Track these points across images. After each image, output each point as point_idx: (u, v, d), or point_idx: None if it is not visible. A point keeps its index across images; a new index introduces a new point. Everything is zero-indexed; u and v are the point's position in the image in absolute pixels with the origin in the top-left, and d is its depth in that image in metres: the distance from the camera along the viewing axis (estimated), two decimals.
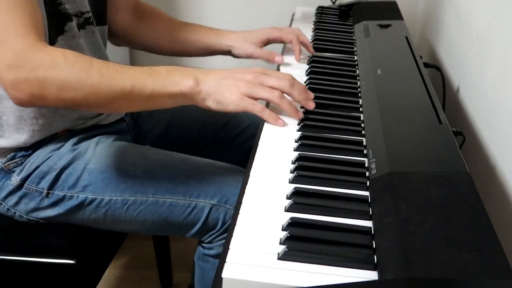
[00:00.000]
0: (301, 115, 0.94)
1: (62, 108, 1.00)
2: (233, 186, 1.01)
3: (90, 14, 1.08)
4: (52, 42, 0.99)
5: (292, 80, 0.95)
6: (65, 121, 1.06)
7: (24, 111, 1.01)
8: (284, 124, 0.92)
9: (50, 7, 0.97)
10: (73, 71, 0.85)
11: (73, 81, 0.85)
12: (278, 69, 1.18)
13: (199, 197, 1.01)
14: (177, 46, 1.28)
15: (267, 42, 1.27)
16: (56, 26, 1.00)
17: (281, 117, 0.93)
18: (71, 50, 0.89)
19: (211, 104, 0.91)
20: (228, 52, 1.28)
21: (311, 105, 0.96)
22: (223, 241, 1.01)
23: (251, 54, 1.26)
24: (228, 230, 0.69)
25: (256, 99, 0.92)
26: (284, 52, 1.27)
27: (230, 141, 1.27)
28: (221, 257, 0.63)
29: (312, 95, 0.98)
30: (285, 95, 0.94)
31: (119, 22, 1.25)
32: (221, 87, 0.91)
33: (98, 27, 1.13)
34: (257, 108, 0.91)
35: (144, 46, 1.30)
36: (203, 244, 1.06)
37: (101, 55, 1.13)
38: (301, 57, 1.23)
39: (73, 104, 0.88)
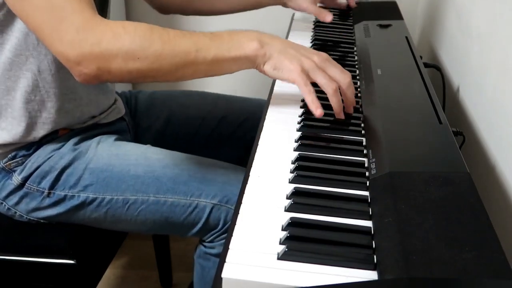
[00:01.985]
0: (343, 117, 0.91)
1: (127, 81, 0.97)
2: (235, 186, 1.01)
3: None
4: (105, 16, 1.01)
5: (351, 80, 0.92)
6: (68, 118, 1.06)
7: (29, 104, 1.00)
8: (321, 115, 0.88)
9: None
10: (135, 40, 0.85)
11: (136, 50, 0.85)
12: None
13: (200, 196, 1.01)
14: (234, 5, 1.31)
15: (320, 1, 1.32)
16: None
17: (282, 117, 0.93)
18: (130, 21, 0.88)
19: (268, 68, 0.90)
20: (281, 4, 1.32)
21: (351, 111, 0.94)
22: (227, 232, 1.01)
23: (305, 9, 1.31)
24: (227, 230, 0.69)
25: (312, 81, 0.90)
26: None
27: (229, 135, 1.27)
28: (221, 257, 0.63)
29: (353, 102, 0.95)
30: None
31: None
32: (285, 53, 0.90)
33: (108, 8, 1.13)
34: (307, 88, 0.88)
35: (200, 11, 1.32)
36: (205, 243, 1.06)
37: None
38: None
39: (139, 74, 0.87)
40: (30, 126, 1.02)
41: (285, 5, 1.32)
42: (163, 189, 1.01)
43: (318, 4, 1.37)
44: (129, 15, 1.93)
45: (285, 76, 0.89)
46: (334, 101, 0.90)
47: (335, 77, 0.91)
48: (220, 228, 1.02)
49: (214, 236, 1.03)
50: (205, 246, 1.06)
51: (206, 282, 1.09)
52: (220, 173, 1.05)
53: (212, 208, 1.00)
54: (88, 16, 0.85)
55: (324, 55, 0.93)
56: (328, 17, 1.27)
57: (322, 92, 0.91)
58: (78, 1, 0.85)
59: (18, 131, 1.02)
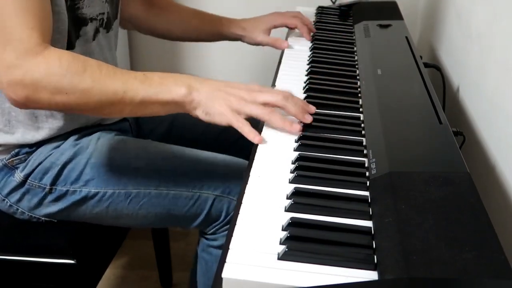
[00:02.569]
0: (298, 128, 0.89)
1: (56, 111, 1.01)
2: (236, 178, 1.02)
3: (105, 16, 1.09)
4: (72, 46, 1.01)
5: (287, 94, 0.92)
6: (74, 123, 1.07)
7: (36, 109, 1.01)
8: (260, 141, 0.88)
9: (70, 12, 0.98)
10: (66, 75, 0.86)
11: (65, 85, 0.86)
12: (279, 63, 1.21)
13: (202, 188, 1.01)
14: (189, 34, 1.33)
15: (273, 28, 1.34)
16: (74, 31, 1.01)
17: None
18: (69, 53, 0.89)
19: (200, 113, 0.91)
20: (238, 40, 1.33)
21: (307, 119, 0.92)
22: (227, 232, 1.01)
23: (260, 42, 1.33)
24: (228, 230, 0.69)
25: (245, 116, 0.90)
26: (288, 37, 1.34)
27: (232, 143, 1.27)
28: (221, 257, 0.63)
29: (312, 109, 0.94)
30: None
31: (132, 13, 1.28)
32: (212, 98, 0.90)
33: (112, 30, 1.13)
34: (240, 124, 0.89)
35: (156, 34, 1.33)
36: (207, 236, 1.06)
37: (112, 57, 1.15)
38: (301, 56, 1.24)
39: (65, 107, 0.89)
40: (36, 130, 1.03)
41: (241, 40, 1.34)
42: (165, 182, 1.02)
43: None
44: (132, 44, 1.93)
45: (217, 120, 0.90)
46: (274, 122, 0.90)
47: (266, 101, 0.90)
48: (222, 219, 1.02)
49: (216, 227, 1.03)
50: (207, 239, 1.06)
51: (210, 276, 1.09)
52: (222, 165, 1.05)
53: (214, 200, 1.01)
54: (31, 45, 0.85)
55: (253, 86, 0.92)
56: (284, 44, 1.29)
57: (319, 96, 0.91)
58: (29, 28, 0.86)
59: (23, 134, 1.03)
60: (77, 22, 1.01)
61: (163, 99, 0.89)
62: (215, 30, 1.31)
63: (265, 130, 0.91)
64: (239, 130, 0.90)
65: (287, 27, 1.34)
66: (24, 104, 0.88)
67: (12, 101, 0.88)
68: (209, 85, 0.91)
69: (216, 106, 0.90)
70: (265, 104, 0.90)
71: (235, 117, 0.89)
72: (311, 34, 1.39)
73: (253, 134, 0.89)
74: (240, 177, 1.01)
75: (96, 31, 1.07)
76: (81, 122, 1.08)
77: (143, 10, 1.29)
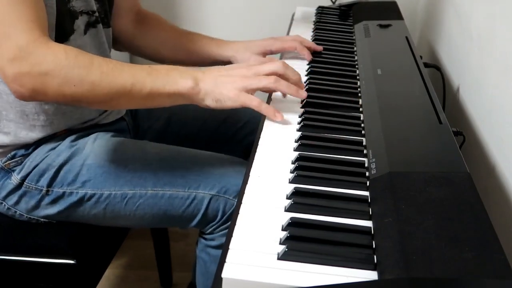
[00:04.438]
0: (304, 94, 0.95)
1: (62, 103, 1.01)
2: (233, 177, 1.02)
3: (97, 14, 1.08)
4: (65, 40, 1.00)
5: (285, 64, 0.96)
6: (66, 119, 1.06)
7: (26, 106, 1.01)
8: (282, 118, 0.92)
9: (62, 5, 0.98)
10: (74, 67, 0.86)
11: (74, 77, 0.86)
12: None
13: (198, 188, 1.01)
14: (178, 55, 1.28)
15: (270, 53, 1.26)
16: (68, 25, 1.01)
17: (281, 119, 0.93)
18: (73, 47, 0.89)
19: (210, 102, 0.92)
20: (229, 62, 1.28)
21: (303, 94, 0.97)
22: (225, 231, 1.02)
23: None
24: (227, 230, 0.69)
25: (254, 91, 0.93)
26: (283, 57, 1.27)
27: (229, 138, 1.27)
28: (221, 257, 0.63)
29: (302, 85, 1.00)
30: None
31: (121, 28, 1.25)
32: (218, 85, 0.92)
33: (105, 29, 1.13)
34: (254, 103, 0.91)
35: (145, 54, 1.30)
36: (205, 236, 1.06)
37: (106, 56, 1.14)
38: (301, 56, 1.23)
39: (73, 99, 0.89)
40: (29, 128, 1.03)
41: (231, 62, 1.27)
42: (161, 182, 1.02)
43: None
44: None
45: (229, 104, 0.92)
46: (282, 88, 0.95)
47: (269, 71, 0.94)
48: (219, 219, 1.02)
49: (213, 227, 1.03)
50: (205, 239, 1.06)
51: (209, 276, 1.09)
52: (217, 164, 1.05)
53: (210, 199, 1.01)
54: (34, 37, 0.86)
55: (250, 62, 0.96)
56: None
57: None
58: (28, 20, 0.86)
59: (16, 133, 1.03)
60: (69, 15, 1.01)
61: (169, 91, 0.90)
62: (205, 51, 1.26)
63: (265, 130, 0.91)
64: (256, 109, 0.92)
65: (285, 51, 1.26)
66: (31, 96, 0.87)
67: (17, 93, 0.87)
68: (212, 73, 0.93)
69: (224, 92, 0.91)
70: (268, 74, 0.94)
71: (247, 96, 0.91)
72: (312, 33, 1.39)
73: (271, 112, 0.92)
74: (237, 176, 1.02)
75: (90, 26, 1.07)
76: (74, 117, 1.07)
77: (133, 27, 1.26)
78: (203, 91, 0.91)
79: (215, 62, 1.28)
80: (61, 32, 1.00)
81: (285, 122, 0.94)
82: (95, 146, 1.05)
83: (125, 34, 1.26)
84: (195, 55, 1.27)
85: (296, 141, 0.88)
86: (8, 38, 0.85)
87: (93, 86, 0.87)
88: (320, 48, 1.25)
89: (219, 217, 1.02)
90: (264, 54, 1.25)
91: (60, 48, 0.87)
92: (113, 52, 1.23)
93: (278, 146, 0.87)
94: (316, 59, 1.22)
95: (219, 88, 0.91)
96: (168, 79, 0.90)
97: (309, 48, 1.24)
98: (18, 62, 0.85)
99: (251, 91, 0.92)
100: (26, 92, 0.86)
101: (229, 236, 0.66)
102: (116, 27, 1.24)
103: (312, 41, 1.34)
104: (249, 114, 1.26)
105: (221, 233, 1.03)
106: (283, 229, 0.67)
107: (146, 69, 0.91)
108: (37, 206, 1.04)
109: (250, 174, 0.78)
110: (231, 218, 0.92)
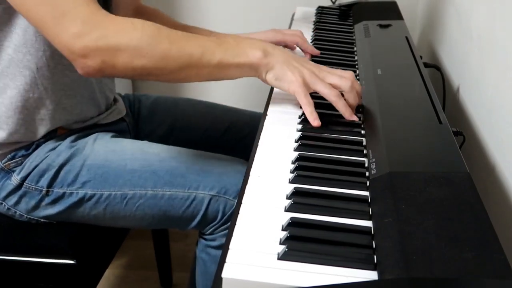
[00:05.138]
0: (355, 118, 0.93)
1: (130, 77, 0.97)
2: (232, 177, 1.01)
3: None
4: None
5: (353, 83, 0.95)
6: (66, 114, 1.05)
7: (27, 101, 1.00)
8: (319, 125, 0.91)
9: None
10: (143, 37, 0.85)
11: (144, 47, 0.85)
12: None
13: (198, 188, 1.01)
14: None
15: None
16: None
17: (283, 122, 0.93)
18: (137, 19, 0.88)
19: (270, 78, 0.92)
20: None
21: (354, 118, 0.94)
22: (225, 231, 1.01)
23: None
24: (228, 230, 0.69)
25: (314, 91, 0.93)
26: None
27: (232, 147, 1.27)
28: (221, 257, 0.63)
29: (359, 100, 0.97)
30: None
31: None
32: (287, 65, 0.92)
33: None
34: (306, 100, 0.91)
35: None
36: (205, 236, 1.06)
37: None
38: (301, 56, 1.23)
39: (143, 71, 0.88)
40: (28, 123, 1.02)
41: None
42: (161, 183, 1.02)
43: None
44: None
45: (286, 86, 0.92)
46: (339, 107, 0.93)
47: (336, 85, 0.94)
48: (219, 219, 1.02)
49: (213, 228, 1.03)
50: (205, 239, 1.06)
51: (209, 277, 1.09)
52: (217, 164, 1.05)
53: (210, 200, 1.01)
54: (94, 9, 0.85)
55: (323, 67, 0.96)
56: None
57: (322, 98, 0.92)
58: None
59: (15, 129, 1.02)
60: None
61: (239, 62, 0.90)
62: None
63: (265, 130, 0.91)
64: (303, 105, 0.92)
65: (285, 45, 1.27)
66: (100, 70, 0.86)
67: (86, 69, 0.86)
68: (284, 52, 0.93)
69: (289, 73, 0.91)
70: (333, 86, 0.93)
71: (304, 91, 0.92)
72: (312, 33, 1.39)
73: (314, 117, 0.91)
74: (236, 176, 1.02)
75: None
76: (74, 113, 1.07)
77: None
78: (271, 63, 0.91)
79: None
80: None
81: (285, 122, 0.94)
82: (95, 146, 1.05)
83: None
84: None
85: (296, 141, 0.88)
86: (68, 14, 0.83)
87: (163, 56, 0.86)
88: (317, 52, 1.24)
89: (219, 217, 1.02)
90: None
91: (125, 19, 0.86)
92: None
93: (278, 146, 0.87)
94: (316, 59, 1.22)
95: (286, 69, 0.92)
96: (237, 49, 0.90)
97: (305, 50, 1.24)
98: (84, 36, 0.83)
99: (311, 90, 0.92)
100: (96, 65, 0.85)
101: (229, 236, 0.66)
102: None
103: (312, 41, 1.34)
104: (251, 125, 1.26)
105: (221, 233, 1.03)
106: (283, 229, 0.67)
107: (215, 40, 0.90)
108: (37, 206, 1.04)
109: (250, 174, 0.78)
110: (231, 219, 0.92)
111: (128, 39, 0.84)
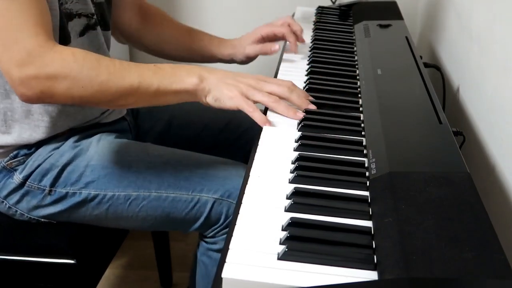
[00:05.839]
0: (301, 115, 0.95)
1: (69, 104, 1.02)
2: (236, 181, 1.02)
3: (95, 17, 1.09)
4: (68, 42, 1.01)
5: (292, 87, 0.98)
6: (69, 120, 1.06)
7: (32, 107, 1.02)
8: (268, 124, 0.93)
9: (59, 7, 0.99)
10: (83, 69, 0.88)
11: (82, 79, 0.88)
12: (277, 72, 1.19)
13: (202, 191, 1.02)
14: (181, 53, 1.31)
15: (262, 40, 1.28)
16: (68, 27, 1.01)
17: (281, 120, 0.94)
18: (80, 49, 0.91)
19: (210, 100, 0.94)
20: (231, 61, 1.31)
21: (311, 107, 0.97)
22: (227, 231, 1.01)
23: (248, 54, 1.29)
24: (228, 230, 0.69)
25: (253, 102, 0.95)
26: (282, 59, 1.26)
27: (231, 143, 1.27)
28: (221, 257, 0.63)
29: (310, 97, 1.00)
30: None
31: (125, 22, 1.27)
32: (222, 85, 0.94)
33: (103, 32, 1.13)
34: (249, 109, 0.93)
35: (147, 49, 1.33)
36: (206, 239, 1.06)
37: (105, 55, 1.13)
38: (301, 56, 1.23)
39: (81, 101, 0.91)
40: (33, 129, 1.03)
41: (233, 61, 1.31)
42: (165, 185, 1.02)
43: None
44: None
45: (227, 104, 0.94)
46: (280, 110, 0.96)
47: (273, 92, 0.96)
48: (221, 222, 1.02)
49: (215, 231, 1.03)
50: (207, 242, 1.06)
51: (210, 280, 1.09)
52: (221, 168, 1.06)
53: (213, 203, 1.01)
54: (42, 41, 0.87)
55: (259, 76, 0.98)
56: (273, 47, 1.25)
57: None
58: (34, 25, 0.87)
59: (20, 134, 1.03)
60: (64, 17, 1.01)
61: (176, 89, 0.93)
62: (207, 49, 1.29)
63: (265, 130, 0.91)
64: (249, 114, 0.94)
65: (275, 36, 1.28)
66: (38, 98, 0.89)
67: (24, 97, 0.89)
68: (218, 74, 0.96)
69: (226, 92, 0.94)
70: (271, 94, 0.96)
71: (245, 101, 0.94)
72: (312, 33, 1.39)
73: (262, 120, 0.93)
74: (240, 180, 1.01)
75: (87, 28, 1.07)
76: (78, 118, 1.07)
77: (137, 21, 1.28)
78: (207, 87, 0.94)
79: (216, 60, 1.32)
80: (64, 34, 1.00)
81: (285, 122, 0.94)
82: (99, 147, 1.06)
83: (128, 28, 1.28)
84: (197, 53, 1.30)
85: (296, 141, 0.88)
86: (15, 42, 0.86)
87: (101, 87, 0.89)
88: (303, 40, 1.28)
89: (221, 220, 1.02)
90: (258, 42, 1.28)
91: (68, 50, 0.89)
92: (112, 52, 1.23)
93: (278, 146, 0.87)
94: (316, 59, 1.22)
95: (222, 88, 0.94)
96: (174, 77, 0.92)
97: (295, 32, 1.27)
98: (25, 66, 0.86)
99: (251, 101, 0.94)
100: (33, 95, 0.88)
101: (229, 236, 0.66)
102: (120, 19, 1.25)
103: (312, 41, 1.34)
104: (250, 121, 1.26)
105: (223, 236, 1.03)
106: (283, 229, 0.67)
107: (152, 68, 0.93)
108: (38, 205, 1.04)
109: (250, 174, 0.78)
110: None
111: (68, 71, 0.87)
